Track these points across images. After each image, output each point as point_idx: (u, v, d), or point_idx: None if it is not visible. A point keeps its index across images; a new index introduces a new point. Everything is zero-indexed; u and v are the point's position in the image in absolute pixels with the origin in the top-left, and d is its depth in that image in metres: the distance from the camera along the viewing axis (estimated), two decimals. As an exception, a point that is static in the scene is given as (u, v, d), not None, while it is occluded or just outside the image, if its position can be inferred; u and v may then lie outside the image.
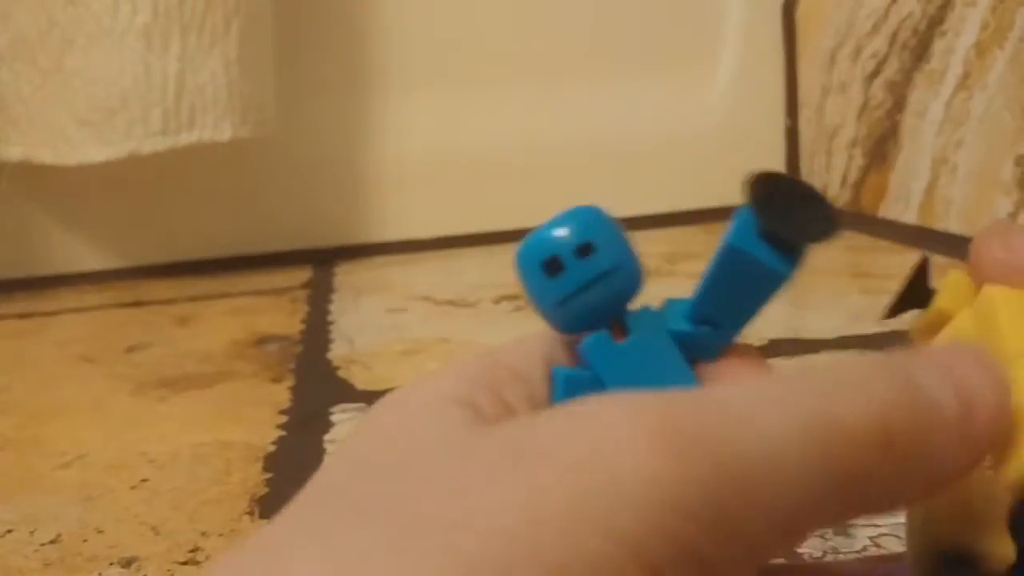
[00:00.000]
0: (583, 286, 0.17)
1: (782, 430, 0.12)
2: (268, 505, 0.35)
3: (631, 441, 0.12)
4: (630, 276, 0.17)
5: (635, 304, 0.18)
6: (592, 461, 0.12)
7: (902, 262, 0.70)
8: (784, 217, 0.16)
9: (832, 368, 0.13)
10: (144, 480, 0.39)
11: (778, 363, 0.47)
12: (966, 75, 0.65)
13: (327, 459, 0.17)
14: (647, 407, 0.12)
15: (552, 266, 0.17)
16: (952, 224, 0.67)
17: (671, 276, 0.66)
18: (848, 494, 0.12)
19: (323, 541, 0.12)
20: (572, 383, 0.17)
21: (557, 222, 0.17)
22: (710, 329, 0.17)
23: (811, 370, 0.13)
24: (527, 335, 0.18)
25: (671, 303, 0.18)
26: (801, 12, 0.87)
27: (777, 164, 0.90)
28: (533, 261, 0.17)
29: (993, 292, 0.17)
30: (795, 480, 0.12)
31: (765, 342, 0.50)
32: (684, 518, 0.11)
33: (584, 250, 0.17)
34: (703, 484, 0.11)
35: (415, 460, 0.14)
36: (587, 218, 0.17)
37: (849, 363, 0.13)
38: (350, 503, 0.13)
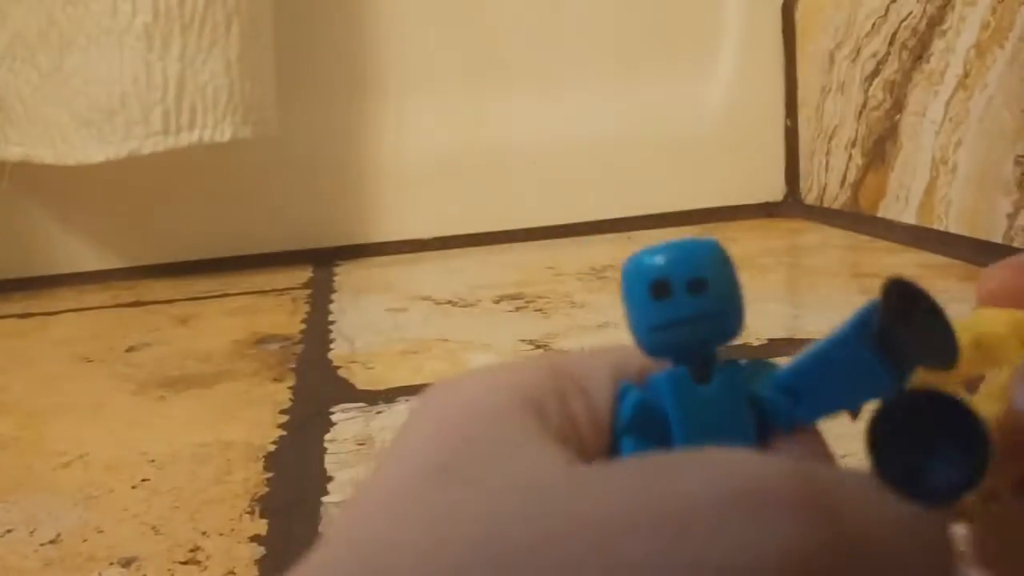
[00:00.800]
0: (684, 320, 0.17)
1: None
2: (268, 504, 0.35)
3: (783, 508, 0.13)
4: (731, 324, 0.17)
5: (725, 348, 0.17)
6: (747, 527, 0.13)
7: (901, 262, 0.70)
8: (909, 332, 0.16)
9: None
10: (144, 480, 0.39)
11: (777, 363, 0.47)
12: (966, 75, 0.65)
13: (390, 461, 0.16)
14: (793, 474, 0.14)
15: (659, 289, 0.16)
16: (951, 224, 0.67)
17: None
18: None
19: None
20: (640, 407, 0.17)
21: (678, 247, 0.17)
22: (790, 401, 0.17)
23: None
24: (598, 349, 0.18)
25: (757, 363, 0.18)
26: (800, 12, 0.87)
27: (777, 164, 0.90)
28: (643, 278, 0.17)
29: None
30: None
31: (765, 341, 0.50)
32: None
33: (697, 285, 0.16)
34: (835, 557, 0.13)
35: (514, 478, 0.14)
36: (708, 253, 0.17)
37: None
38: (449, 515, 0.13)
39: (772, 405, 0.17)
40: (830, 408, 0.17)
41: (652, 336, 0.17)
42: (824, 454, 0.17)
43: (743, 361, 0.17)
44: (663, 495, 0.13)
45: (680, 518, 0.13)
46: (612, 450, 0.16)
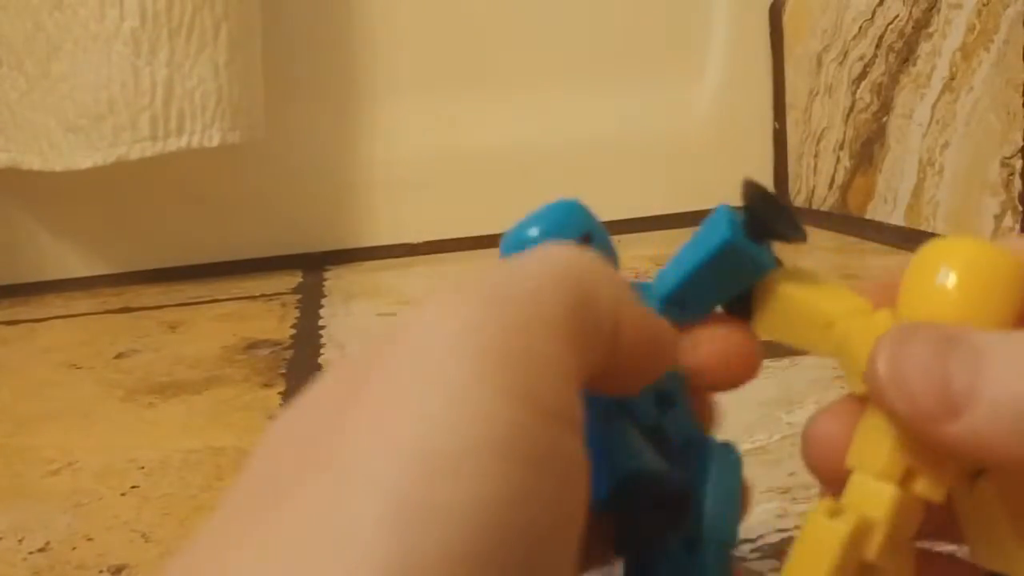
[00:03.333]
0: None
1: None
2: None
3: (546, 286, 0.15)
4: (615, 264, 0.20)
5: None
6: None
7: (889, 264, 0.70)
8: (772, 219, 0.18)
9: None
10: (134, 487, 0.38)
11: (768, 364, 0.47)
12: (952, 77, 0.65)
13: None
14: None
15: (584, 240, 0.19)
16: (939, 225, 0.68)
17: (661, 279, 0.66)
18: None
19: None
20: None
21: (555, 212, 0.19)
22: (679, 310, 0.20)
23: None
24: None
25: (641, 285, 0.20)
26: (788, 15, 0.87)
27: (765, 166, 0.91)
28: (545, 240, 0.19)
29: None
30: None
31: (755, 344, 0.50)
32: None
33: (586, 239, 0.19)
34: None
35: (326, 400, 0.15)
36: (584, 211, 0.19)
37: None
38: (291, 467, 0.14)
39: (664, 317, 0.20)
40: (716, 303, 0.20)
41: None
42: (740, 328, 0.19)
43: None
44: None
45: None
46: None
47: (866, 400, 0.18)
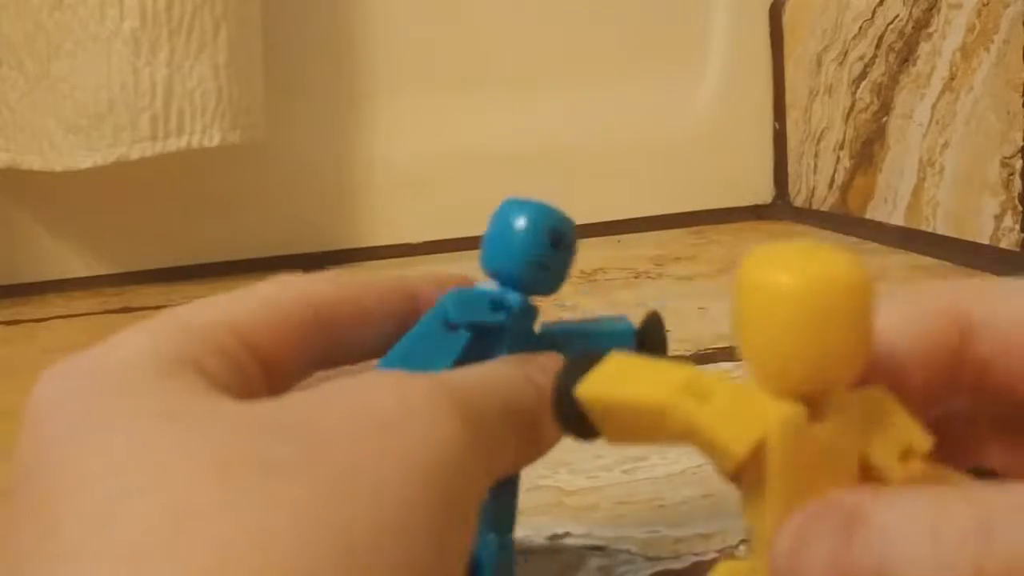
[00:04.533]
0: (557, 267, 0.24)
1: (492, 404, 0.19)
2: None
3: (432, 409, 0.17)
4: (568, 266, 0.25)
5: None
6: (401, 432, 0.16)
7: (890, 264, 0.70)
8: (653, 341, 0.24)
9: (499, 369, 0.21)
10: (134, 487, 0.38)
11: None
12: (952, 77, 0.65)
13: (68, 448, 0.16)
14: (424, 380, 0.18)
15: (556, 238, 0.24)
16: (939, 226, 0.68)
17: (659, 279, 0.66)
18: (521, 439, 0.20)
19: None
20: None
21: (560, 212, 0.24)
22: (548, 345, 0.24)
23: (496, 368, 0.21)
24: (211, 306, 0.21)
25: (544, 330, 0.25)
26: (788, 15, 0.87)
27: (765, 166, 0.91)
28: (547, 224, 0.24)
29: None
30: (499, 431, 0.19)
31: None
32: (477, 460, 0.17)
33: (567, 244, 0.24)
34: (479, 435, 0.17)
35: (189, 447, 0.15)
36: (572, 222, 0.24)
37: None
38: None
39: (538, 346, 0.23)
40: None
41: (526, 267, 0.24)
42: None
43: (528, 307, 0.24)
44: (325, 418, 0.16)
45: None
46: None
47: (736, 477, 0.16)
